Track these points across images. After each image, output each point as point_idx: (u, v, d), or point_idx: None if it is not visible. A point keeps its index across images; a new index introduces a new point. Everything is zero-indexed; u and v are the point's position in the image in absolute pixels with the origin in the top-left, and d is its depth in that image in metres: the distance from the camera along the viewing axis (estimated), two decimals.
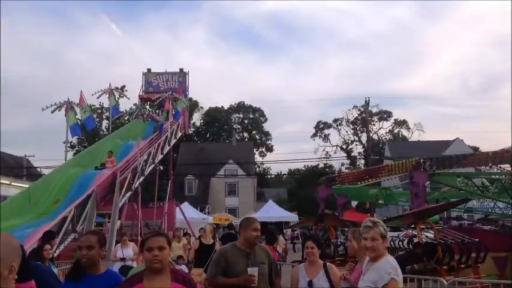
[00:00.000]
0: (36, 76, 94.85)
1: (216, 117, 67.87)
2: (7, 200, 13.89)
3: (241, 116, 72.99)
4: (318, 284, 4.51)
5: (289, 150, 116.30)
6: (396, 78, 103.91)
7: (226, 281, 4.27)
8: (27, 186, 15.80)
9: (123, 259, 10.25)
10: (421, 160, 14.41)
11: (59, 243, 11.99)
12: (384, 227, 3.53)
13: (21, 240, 9.62)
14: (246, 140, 67.86)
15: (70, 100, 17.39)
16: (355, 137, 69.27)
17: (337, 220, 14.00)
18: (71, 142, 43.81)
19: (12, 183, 18.90)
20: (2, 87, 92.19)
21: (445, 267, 9.98)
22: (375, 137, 68.38)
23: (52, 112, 16.84)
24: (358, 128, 68.36)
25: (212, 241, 9.63)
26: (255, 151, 64.22)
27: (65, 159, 18.36)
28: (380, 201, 21.94)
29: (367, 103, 43.94)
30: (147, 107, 25.40)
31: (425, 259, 10.17)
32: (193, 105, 62.22)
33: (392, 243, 15.44)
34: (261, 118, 72.38)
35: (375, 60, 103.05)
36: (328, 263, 4.81)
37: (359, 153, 66.27)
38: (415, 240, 12.55)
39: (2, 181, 18.38)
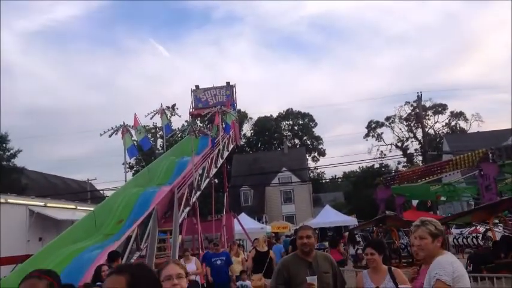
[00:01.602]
0: (92, 103, 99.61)
1: (266, 126, 68.15)
2: (74, 224, 14.54)
3: (291, 122, 72.85)
4: None
5: (342, 153, 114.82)
6: (448, 69, 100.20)
7: None
8: (91, 209, 16.50)
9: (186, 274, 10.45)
10: (489, 151, 13.71)
11: (125, 262, 12.41)
12: (436, 225, 3.41)
13: (90, 262, 10.01)
14: (298, 146, 67.56)
15: (125, 123, 18.05)
16: (410, 133, 67.20)
17: (399, 221, 13.56)
18: (130, 163, 45.47)
19: (78, 207, 19.79)
20: (62, 117, 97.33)
21: None
22: (431, 131, 65.97)
23: (110, 136, 17.52)
24: (412, 124, 66.27)
25: (266, 248, 11.00)
26: (307, 157, 63.82)
27: (125, 180, 19.03)
28: (442, 198, 21.03)
29: (419, 98, 42.46)
30: (198, 122, 25.91)
31: (502, 255, 9.59)
32: (243, 117, 62.86)
33: (456, 240, 14.72)
34: (311, 123, 71.92)
35: (424, 52, 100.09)
36: (393, 268, 4.66)
37: (415, 149, 64.18)
38: (489, 234, 11.85)
39: (68, 206, 19.31)
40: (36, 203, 17.11)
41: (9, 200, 15.72)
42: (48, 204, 17.67)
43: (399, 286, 4.24)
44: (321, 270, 4.30)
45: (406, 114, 65.92)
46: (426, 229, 3.37)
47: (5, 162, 31.67)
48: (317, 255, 4.43)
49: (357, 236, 31.14)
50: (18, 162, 32.95)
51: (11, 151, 32.33)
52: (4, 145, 31.99)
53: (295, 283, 4.24)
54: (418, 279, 4.32)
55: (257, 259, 10.68)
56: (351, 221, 33.87)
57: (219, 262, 10.73)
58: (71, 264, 10.82)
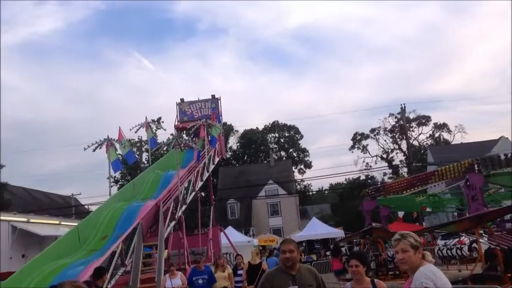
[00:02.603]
0: (76, 117, 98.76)
1: (252, 139, 68.24)
2: (58, 240, 14.33)
3: (277, 135, 73.10)
4: None
5: (328, 164, 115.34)
6: (431, 81, 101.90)
7: None
8: (75, 224, 16.29)
9: None
10: (475, 162, 13.88)
11: (109, 278, 12.24)
12: (415, 237, 3.51)
13: (74, 278, 9.87)
14: (284, 158, 67.71)
15: (110, 137, 17.92)
16: (394, 145, 67.91)
17: (386, 232, 13.62)
18: (115, 177, 45.05)
19: (62, 223, 19.52)
20: (45, 131, 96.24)
21: (509, 274, 9.43)
22: (416, 143, 66.73)
23: (94, 150, 17.37)
24: (397, 136, 67.01)
25: (259, 261, 11.21)
26: (293, 169, 63.95)
27: (109, 195, 18.84)
28: (427, 209, 21.23)
29: (403, 110, 43.07)
30: (184, 136, 25.85)
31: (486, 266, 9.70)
32: (228, 129, 62.92)
33: (440, 252, 14.81)
34: (297, 135, 72.27)
35: (407, 64, 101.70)
36: (376, 280, 4.69)
37: (401, 161, 64.84)
38: (475, 246, 11.94)
39: (52, 221, 19.03)
40: (19, 218, 16.86)
41: None
42: (32, 220, 17.42)
43: None
44: (304, 282, 4.31)
45: (390, 126, 66.73)
46: (407, 241, 3.45)
47: None
48: (300, 268, 4.45)
49: (343, 247, 31.26)
50: (0, 177, 32.40)
51: None
52: None
53: None
54: None
55: (250, 271, 10.86)
56: (338, 233, 33.93)
57: (200, 282, 10.16)
58: (54, 281, 10.62)
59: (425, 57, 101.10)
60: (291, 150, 71.90)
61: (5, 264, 14.82)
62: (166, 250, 18.42)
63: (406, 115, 52.31)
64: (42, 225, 17.61)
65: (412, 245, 3.44)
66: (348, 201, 57.43)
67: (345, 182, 66.92)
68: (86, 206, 42.57)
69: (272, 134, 73.29)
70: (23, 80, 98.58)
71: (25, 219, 17.01)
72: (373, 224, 16.63)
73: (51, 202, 43.33)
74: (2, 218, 16.15)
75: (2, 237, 15.49)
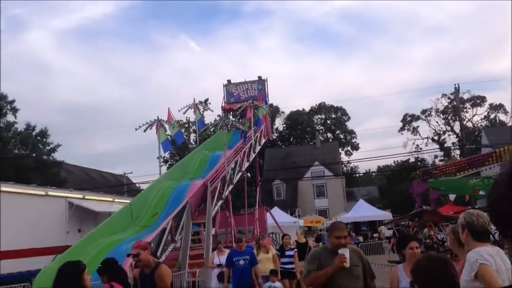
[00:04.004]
0: (126, 99, 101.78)
1: (298, 121, 67.81)
2: (111, 216, 14.95)
3: (323, 116, 72.23)
4: None
5: (376, 146, 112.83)
6: (487, 60, 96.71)
7: (322, 272, 4.24)
8: (128, 201, 16.91)
9: (220, 265, 10.55)
10: None
11: (160, 254, 12.69)
12: (466, 216, 3.43)
13: (126, 253, 10.20)
14: (330, 140, 66.98)
15: (159, 118, 18.37)
16: (447, 127, 65.41)
17: (437, 215, 13.21)
18: (164, 157, 46.21)
19: (115, 200, 20.31)
20: (97, 113, 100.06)
21: None
22: (469, 125, 64.01)
23: (144, 131, 17.89)
24: (449, 117, 64.50)
25: (305, 240, 12.29)
26: (340, 150, 63.18)
27: (159, 174, 19.40)
28: (481, 192, 20.39)
29: (456, 90, 41.32)
30: (230, 117, 26.08)
31: None
32: (275, 111, 62.79)
33: (492, 237, 14.16)
34: (344, 117, 71.09)
35: (462, 43, 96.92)
36: None
37: (453, 143, 62.43)
38: None
39: (106, 198, 19.84)
40: (75, 195, 17.68)
41: (49, 193, 16.29)
42: (87, 197, 18.22)
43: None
44: (351, 262, 4.27)
45: (443, 107, 64.24)
46: (458, 221, 3.44)
47: (45, 156, 32.78)
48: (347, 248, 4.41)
49: (390, 230, 30.75)
50: (57, 156, 34.04)
51: (51, 145, 33.43)
52: (44, 140, 33.08)
53: None
54: None
55: (298, 249, 11.32)
56: (385, 215, 33.38)
57: (242, 263, 8.82)
58: (109, 255, 11.13)
59: (481, 36, 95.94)
60: (337, 132, 70.94)
61: (62, 238, 15.64)
62: (213, 228, 18.84)
63: (460, 96, 50.16)
64: (96, 201, 18.40)
65: (462, 224, 3.38)
66: (396, 184, 56.23)
67: (393, 165, 65.43)
68: (137, 185, 44.09)
69: (318, 116, 72.47)
70: (76, 64, 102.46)
71: (81, 196, 17.81)
72: (423, 207, 16.18)
73: (104, 180, 45.24)
74: (59, 194, 17.00)
75: (59, 213, 16.32)
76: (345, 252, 4.14)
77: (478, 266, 3.17)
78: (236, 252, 9.03)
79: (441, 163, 46.98)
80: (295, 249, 11.08)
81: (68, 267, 3.66)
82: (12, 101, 32.78)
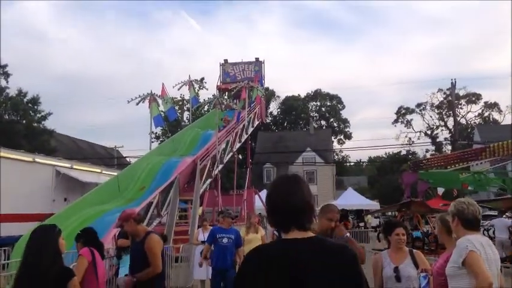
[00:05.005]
0: (121, 72, 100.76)
1: (293, 106, 67.58)
2: (98, 186, 14.83)
3: (319, 103, 72.04)
4: (404, 271, 4.24)
5: (369, 137, 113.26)
6: (485, 57, 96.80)
7: None
8: (116, 174, 16.78)
9: (204, 242, 10.50)
10: None
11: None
12: (456, 204, 3.47)
13: (111, 224, 10.11)
14: (324, 127, 66.96)
15: (153, 92, 18.14)
16: (440, 122, 65.58)
17: (425, 207, 13.21)
18: (156, 133, 45.95)
19: (103, 172, 20.14)
20: (90, 83, 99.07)
21: None
22: (463, 121, 64.22)
23: (137, 104, 17.70)
24: (443, 113, 64.62)
25: None
26: (333, 139, 63.22)
27: (150, 149, 19.26)
28: (469, 187, 20.48)
29: (453, 85, 41.29)
30: (225, 97, 25.91)
31: None
32: (270, 95, 62.46)
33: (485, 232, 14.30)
34: (339, 105, 70.96)
35: (460, 37, 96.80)
36: (414, 250, 4.53)
37: (445, 138, 62.69)
38: None
39: (94, 169, 19.67)
40: (62, 164, 17.48)
41: (36, 159, 16.08)
42: (75, 166, 18.03)
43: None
44: None
45: (438, 102, 64.28)
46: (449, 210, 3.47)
47: (35, 124, 32.38)
48: (335, 234, 4.32)
49: (377, 219, 30.97)
50: (48, 124, 33.62)
51: (42, 113, 32.97)
52: (35, 107, 32.62)
53: None
54: (436, 262, 4.19)
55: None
56: (373, 205, 33.56)
57: (225, 241, 7.87)
58: (92, 225, 11.04)
59: (481, 31, 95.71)
60: (331, 119, 70.88)
61: (48, 206, 15.51)
62: (201, 207, 18.80)
63: (456, 91, 50.18)
64: (84, 172, 18.22)
65: (452, 212, 3.40)
66: (386, 175, 56.54)
67: (384, 156, 65.72)
68: (128, 159, 43.86)
69: (314, 102, 72.24)
70: (72, 34, 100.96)
71: (68, 165, 17.62)
72: (412, 198, 16.14)
73: (94, 152, 44.93)
74: (47, 162, 16.79)
75: (46, 180, 16.16)
76: None
77: (468, 252, 3.11)
78: (220, 228, 8.10)
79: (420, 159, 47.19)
80: None
81: (43, 229, 3.56)
82: (5, 66, 32.26)
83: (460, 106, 62.95)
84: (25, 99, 32.18)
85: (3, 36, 75.91)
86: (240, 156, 35.28)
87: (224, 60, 28.64)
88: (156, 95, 18.38)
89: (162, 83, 19.52)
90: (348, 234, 4.93)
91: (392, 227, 4.69)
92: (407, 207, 13.20)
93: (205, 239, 10.42)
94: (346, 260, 1.84)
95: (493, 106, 64.48)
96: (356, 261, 1.87)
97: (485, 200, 15.09)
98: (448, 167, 16.50)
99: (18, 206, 14.16)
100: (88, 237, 4.75)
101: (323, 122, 71.22)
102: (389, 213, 26.76)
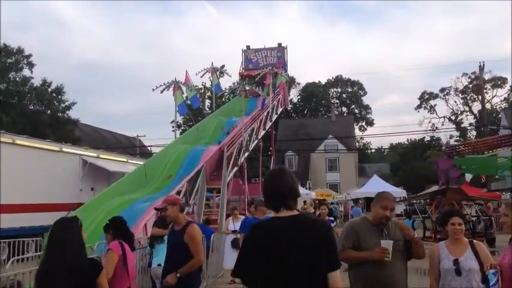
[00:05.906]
0: (142, 60, 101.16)
1: (314, 93, 66.83)
2: (125, 175, 14.78)
3: (340, 90, 71.08)
4: (465, 264, 3.93)
5: (391, 123, 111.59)
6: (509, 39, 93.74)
7: (359, 255, 3.86)
8: (142, 163, 16.72)
9: (234, 231, 10.33)
10: None
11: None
12: None
13: (140, 213, 9.97)
14: (345, 114, 66.10)
15: (177, 80, 17.97)
16: (465, 107, 64.00)
17: (462, 194, 12.71)
18: (177, 122, 45.99)
19: (129, 161, 20.17)
20: (112, 72, 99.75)
21: None
22: (488, 106, 62.51)
23: (161, 92, 17.54)
24: (468, 97, 63.02)
25: (313, 210, 13.40)
26: (354, 126, 62.41)
27: (175, 137, 19.14)
28: (498, 174, 19.78)
29: (481, 68, 39.98)
30: (248, 83, 25.61)
31: None
32: (290, 82, 61.86)
33: None
34: (360, 91, 69.90)
35: (486, 20, 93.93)
36: (475, 241, 4.21)
37: (470, 124, 61.20)
38: None
39: (120, 159, 19.70)
40: (89, 153, 17.52)
41: (63, 149, 16.14)
42: (101, 156, 18.07)
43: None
44: (393, 237, 3.90)
45: (462, 87, 62.68)
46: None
47: (60, 114, 32.63)
48: (389, 222, 4.02)
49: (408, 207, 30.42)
50: (72, 114, 33.86)
51: (66, 103, 33.19)
52: (60, 96, 32.84)
53: (364, 246, 3.86)
54: (505, 255, 3.86)
55: None
56: (400, 192, 32.90)
57: None
58: (121, 214, 10.97)
59: (505, 13, 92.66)
60: (352, 106, 69.92)
61: (76, 196, 15.56)
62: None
63: (482, 75, 48.69)
64: (110, 161, 18.25)
65: None
66: (408, 161, 55.59)
67: (406, 143, 64.62)
68: (149, 148, 44.08)
69: (335, 89, 71.29)
70: (93, 22, 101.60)
71: (95, 155, 17.67)
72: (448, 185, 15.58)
73: (117, 142, 45.29)
74: (74, 151, 16.84)
75: (73, 170, 16.21)
76: (389, 246, 3.71)
77: None
78: (255, 219, 8.25)
79: (456, 143, 46.11)
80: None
81: (65, 220, 3.50)
82: (29, 56, 32.50)
83: (485, 91, 61.29)
84: (49, 89, 32.42)
85: (27, 25, 76.74)
86: (261, 144, 35.07)
87: (246, 46, 28.26)
88: (180, 82, 18.22)
89: (186, 71, 19.40)
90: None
91: (447, 216, 4.38)
92: (443, 195, 12.73)
93: (236, 228, 10.28)
94: (320, 231, 2.45)
95: None
96: (329, 232, 2.47)
97: None
98: (486, 152, 15.81)
99: (47, 196, 14.23)
100: (118, 228, 4.57)
101: (344, 109, 70.35)
102: (415, 202, 26.15)
